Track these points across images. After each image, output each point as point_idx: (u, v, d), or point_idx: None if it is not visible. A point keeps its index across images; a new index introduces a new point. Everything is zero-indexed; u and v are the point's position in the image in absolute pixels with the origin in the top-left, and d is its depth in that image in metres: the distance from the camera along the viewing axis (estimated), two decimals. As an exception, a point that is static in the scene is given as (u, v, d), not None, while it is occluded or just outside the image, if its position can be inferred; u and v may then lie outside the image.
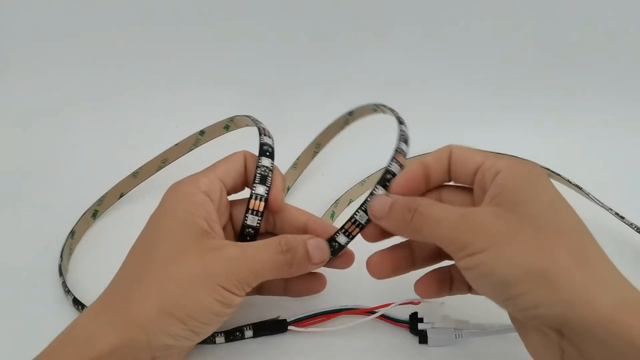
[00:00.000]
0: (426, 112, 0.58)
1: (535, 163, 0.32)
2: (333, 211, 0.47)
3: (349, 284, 0.40)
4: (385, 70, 0.63)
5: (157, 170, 0.50)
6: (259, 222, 0.34)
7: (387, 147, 0.36)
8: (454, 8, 0.60)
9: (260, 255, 0.31)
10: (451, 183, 0.34)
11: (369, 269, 0.34)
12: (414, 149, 0.37)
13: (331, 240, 0.34)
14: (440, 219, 0.29)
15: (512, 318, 0.31)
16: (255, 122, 0.39)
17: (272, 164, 0.35)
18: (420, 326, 0.38)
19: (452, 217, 0.29)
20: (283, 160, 0.48)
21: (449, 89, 0.63)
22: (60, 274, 0.42)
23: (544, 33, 0.61)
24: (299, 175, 0.52)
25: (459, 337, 0.37)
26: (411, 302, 0.38)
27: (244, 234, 0.34)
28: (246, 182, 0.35)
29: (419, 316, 0.38)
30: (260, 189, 0.34)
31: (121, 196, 0.50)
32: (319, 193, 0.49)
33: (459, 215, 0.29)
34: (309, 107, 0.60)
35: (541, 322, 0.27)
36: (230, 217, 0.36)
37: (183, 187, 0.32)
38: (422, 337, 0.38)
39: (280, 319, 0.38)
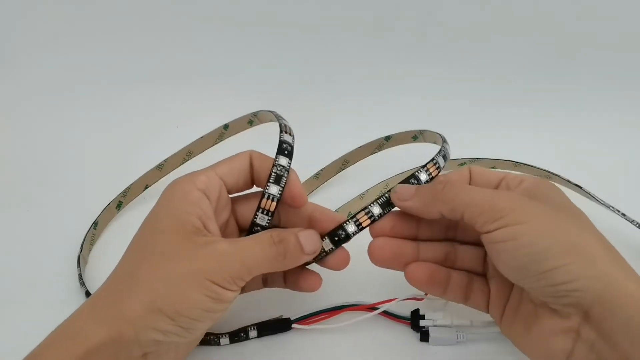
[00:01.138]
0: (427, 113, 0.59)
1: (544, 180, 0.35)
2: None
3: (350, 280, 0.41)
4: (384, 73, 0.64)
5: (182, 163, 0.50)
6: (268, 221, 0.34)
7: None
8: (456, 7, 0.61)
9: (252, 249, 0.31)
10: None
11: (370, 251, 0.34)
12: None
13: (338, 228, 0.34)
14: (474, 190, 0.31)
15: (507, 321, 0.32)
16: (278, 118, 0.38)
17: (289, 163, 0.34)
18: (422, 323, 0.38)
19: (485, 191, 0.30)
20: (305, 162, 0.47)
21: (450, 89, 0.64)
22: (78, 265, 0.43)
23: (545, 33, 0.62)
24: (319, 185, 0.51)
25: (460, 338, 0.38)
26: (414, 298, 0.39)
27: (251, 232, 0.34)
28: (252, 180, 0.35)
29: (421, 313, 0.38)
30: (274, 189, 0.33)
31: (146, 188, 0.50)
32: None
33: (492, 191, 0.31)
34: (308, 106, 0.61)
35: (572, 299, 0.28)
36: (235, 214, 0.36)
37: (180, 185, 0.32)
38: (424, 335, 0.38)
39: (283, 317, 0.39)
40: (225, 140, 0.49)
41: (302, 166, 0.38)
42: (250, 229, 0.34)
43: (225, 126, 0.48)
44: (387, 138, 0.47)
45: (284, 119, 0.38)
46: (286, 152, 0.34)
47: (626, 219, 0.45)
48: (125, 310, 0.29)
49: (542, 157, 0.52)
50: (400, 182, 0.34)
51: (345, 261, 0.35)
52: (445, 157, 0.35)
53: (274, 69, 0.64)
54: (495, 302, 0.33)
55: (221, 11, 0.62)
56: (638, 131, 0.60)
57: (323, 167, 0.51)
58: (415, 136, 0.44)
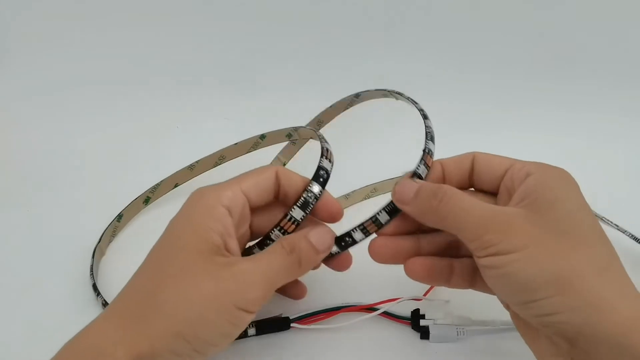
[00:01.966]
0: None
1: (563, 169, 0.31)
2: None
3: (350, 281, 0.41)
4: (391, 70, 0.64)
5: (214, 167, 0.50)
6: None
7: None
8: (458, 8, 0.62)
9: (270, 265, 0.31)
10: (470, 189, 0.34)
11: (371, 249, 0.34)
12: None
13: (346, 235, 0.33)
14: (468, 211, 0.29)
15: (518, 322, 0.31)
16: (321, 140, 0.37)
17: (321, 191, 0.34)
18: (422, 322, 0.38)
19: (480, 212, 0.29)
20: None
21: (450, 89, 0.64)
22: (93, 256, 0.43)
23: (547, 32, 0.63)
24: (297, 151, 0.51)
25: (460, 334, 0.38)
26: (415, 299, 0.39)
27: (262, 244, 0.34)
28: (276, 196, 0.35)
29: (421, 312, 0.38)
30: (298, 213, 0.33)
31: (175, 186, 0.50)
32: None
33: (488, 212, 0.29)
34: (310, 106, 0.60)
35: (556, 329, 0.27)
36: (250, 225, 0.35)
37: (205, 198, 0.32)
38: (424, 333, 0.38)
39: (283, 316, 0.39)
40: (260, 149, 0.48)
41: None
42: (263, 241, 0.34)
43: (262, 136, 0.48)
44: (357, 95, 0.45)
45: (326, 141, 0.37)
46: (321, 180, 0.34)
47: (618, 229, 0.46)
48: (147, 332, 0.28)
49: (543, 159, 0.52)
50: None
51: (348, 263, 0.35)
52: (432, 139, 0.35)
53: (274, 68, 0.65)
54: None
55: (220, 11, 0.63)
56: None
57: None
58: (386, 95, 0.41)
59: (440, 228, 0.31)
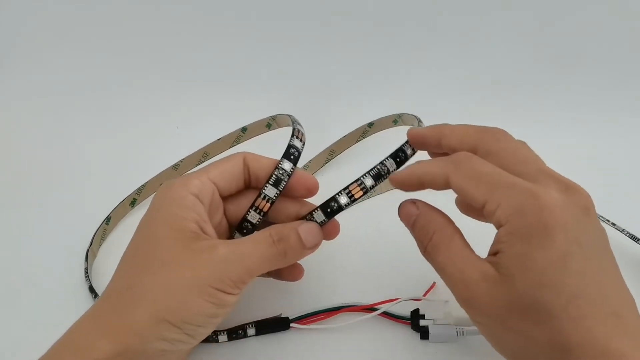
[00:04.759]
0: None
1: (547, 204, 0.26)
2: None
3: (349, 281, 0.41)
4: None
5: (198, 164, 0.50)
6: (259, 220, 0.34)
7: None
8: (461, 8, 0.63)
9: (252, 251, 0.31)
10: None
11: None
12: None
13: (331, 200, 0.33)
14: (444, 267, 0.30)
15: None
16: (293, 123, 0.38)
17: (293, 168, 0.34)
18: (422, 323, 0.38)
19: (453, 273, 0.29)
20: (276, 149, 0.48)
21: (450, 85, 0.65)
22: (86, 258, 0.43)
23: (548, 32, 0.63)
24: (325, 162, 0.53)
25: (460, 334, 0.38)
26: (414, 299, 0.39)
27: (241, 227, 0.34)
28: (246, 183, 0.35)
29: (421, 313, 0.38)
30: (271, 191, 0.33)
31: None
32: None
33: (460, 277, 0.29)
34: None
35: None
36: (225, 212, 0.35)
37: (173, 190, 0.32)
38: (424, 333, 0.38)
39: (282, 316, 0.39)
40: (243, 142, 0.49)
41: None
42: (240, 224, 0.34)
43: (244, 129, 0.48)
44: (370, 125, 0.48)
45: (299, 124, 0.38)
46: (292, 157, 0.34)
47: (616, 229, 0.46)
48: (131, 323, 0.28)
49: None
50: (389, 156, 0.33)
51: (336, 231, 0.35)
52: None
53: (274, 68, 0.65)
54: None
55: (220, 11, 0.63)
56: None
57: (311, 158, 0.52)
58: (395, 120, 0.45)
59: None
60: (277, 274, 0.37)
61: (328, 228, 0.34)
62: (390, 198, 0.37)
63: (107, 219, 0.47)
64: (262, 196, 0.33)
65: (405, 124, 0.45)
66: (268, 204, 0.34)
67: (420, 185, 0.31)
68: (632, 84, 0.63)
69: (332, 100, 0.62)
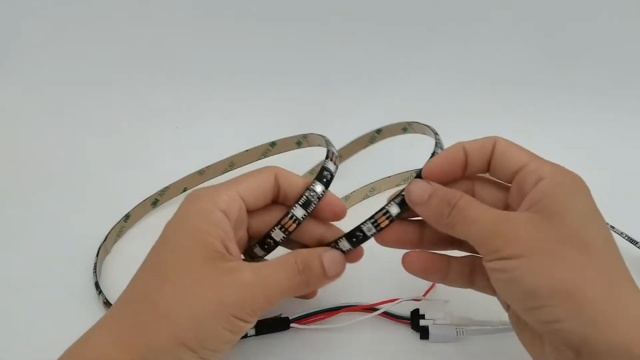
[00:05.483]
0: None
1: (577, 174, 0.30)
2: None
3: (350, 281, 0.40)
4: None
5: (223, 173, 0.50)
6: (283, 238, 0.33)
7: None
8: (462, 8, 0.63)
9: (277, 279, 0.30)
10: (487, 175, 0.33)
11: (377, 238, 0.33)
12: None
13: (356, 230, 0.32)
14: (477, 218, 0.29)
15: (521, 331, 0.31)
16: (327, 144, 0.38)
17: (324, 191, 0.33)
18: (422, 323, 0.38)
19: (488, 218, 0.29)
20: (303, 165, 0.49)
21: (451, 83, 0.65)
22: (97, 255, 0.43)
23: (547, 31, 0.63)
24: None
25: (460, 334, 0.38)
26: (415, 299, 0.39)
27: (263, 243, 0.34)
28: (274, 198, 0.34)
29: (421, 313, 0.38)
30: (300, 212, 0.33)
31: (184, 190, 0.50)
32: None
33: (496, 218, 0.29)
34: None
35: (559, 337, 0.27)
36: (247, 226, 0.35)
37: (201, 202, 0.31)
38: (424, 333, 0.38)
39: (282, 316, 0.38)
40: (270, 156, 0.49)
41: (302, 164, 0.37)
42: (263, 240, 0.34)
43: (273, 144, 0.48)
44: (378, 131, 0.48)
45: (333, 145, 0.37)
46: (324, 180, 0.34)
47: (614, 231, 0.46)
48: (151, 342, 0.28)
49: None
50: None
51: (359, 255, 0.35)
52: (442, 149, 0.35)
53: (274, 68, 0.65)
54: None
55: (220, 11, 0.64)
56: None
57: (316, 163, 0.52)
58: (405, 128, 0.45)
59: (449, 234, 0.31)
60: None
61: (353, 254, 0.34)
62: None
63: (126, 217, 0.47)
64: (289, 216, 0.33)
65: (415, 132, 0.45)
66: (295, 225, 0.33)
67: (462, 164, 0.32)
68: (632, 84, 0.63)
69: (332, 100, 0.63)
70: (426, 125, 0.40)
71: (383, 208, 0.32)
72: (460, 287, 0.34)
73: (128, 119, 0.61)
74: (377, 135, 0.48)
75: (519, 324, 0.31)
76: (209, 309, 0.29)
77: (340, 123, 0.54)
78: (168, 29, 0.65)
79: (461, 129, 0.54)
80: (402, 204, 0.32)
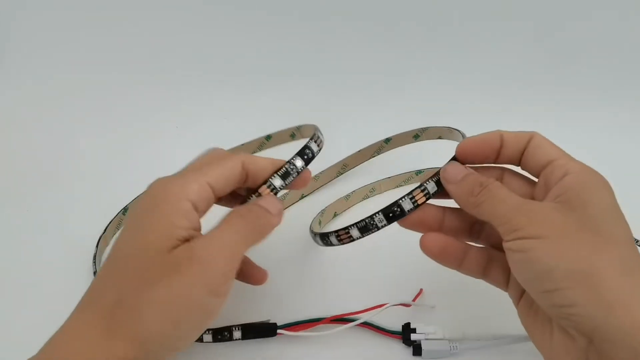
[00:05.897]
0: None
1: (602, 175, 0.31)
2: (320, 219, 0.47)
3: (341, 290, 0.40)
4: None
5: None
6: None
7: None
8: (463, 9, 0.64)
9: (229, 230, 0.31)
10: (517, 169, 0.34)
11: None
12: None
13: (394, 205, 0.33)
14: (504, 199, 0.30)
15: (531, 319, 0.31)
16: (315, 131, 0.38)
17: (303, 167, 0.34)
18: (413, 337, 0.37)
19: (515, 200, 0.30)
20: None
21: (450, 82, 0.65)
22: (97, 245, 0.44)
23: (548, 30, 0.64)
24: (317, 187, 0.52)
25: (453, 349, 0.36)
26: (403, 304, 0.38)
27: None
28: (245, 184, 0.34)
29: (412, 326, 0.37)
30: (278, 182, 0.33)
31: None
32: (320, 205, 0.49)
33: (522, 201, 0.30)
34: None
35: (573, 323, 0.27)
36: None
37: (168, 191, 0.31)
38: (416, 349, 0.37)
39: (270, 322, 0.38)
40: (266, 149, 0.50)
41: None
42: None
43: (268, 137, 0.49)
44: (387, 141, 0.48)
45: (321, 133, 0.38)
46: (305, 157, 0.34)
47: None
48: (140, 332, 0.28)
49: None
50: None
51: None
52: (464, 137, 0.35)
53: (274, 68, 0.66)
54: (514, 284, 0.32)
55: (221, 11, 0.65)
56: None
57: (323, 169, 0.52)
58: (417, 135, 0.45)
59: (473, 214, 0.32)
60: (242, 276, 0.36)
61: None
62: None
63: (124, 209, 0.48)
64: (267, 184, 0.33)
65: (428, 139, 0.45)
66: (271, 193, 0.33)
67: (496, 149, 0.32)
68: (632, 83, 0.63)
69: (332, 100, 0.63)
70: (456, 130, 0.40)
71: (421, 185, 0.33)
72: (472, 276, 0.34)
73: (128, 119, 0.61)
74: (386, 144, 0.49)
75: (529, 315, 0.31)
76: (179, 297, 0.28)
77: (341, 123, 0.54)
78: (168, 29, 0.66)
79: (461, 129, 0.54)
80: (438, 184, 0.33)
